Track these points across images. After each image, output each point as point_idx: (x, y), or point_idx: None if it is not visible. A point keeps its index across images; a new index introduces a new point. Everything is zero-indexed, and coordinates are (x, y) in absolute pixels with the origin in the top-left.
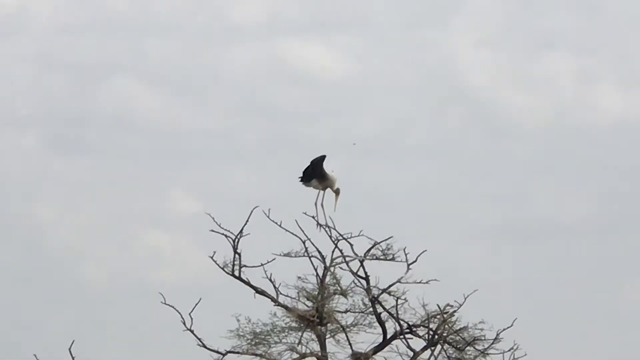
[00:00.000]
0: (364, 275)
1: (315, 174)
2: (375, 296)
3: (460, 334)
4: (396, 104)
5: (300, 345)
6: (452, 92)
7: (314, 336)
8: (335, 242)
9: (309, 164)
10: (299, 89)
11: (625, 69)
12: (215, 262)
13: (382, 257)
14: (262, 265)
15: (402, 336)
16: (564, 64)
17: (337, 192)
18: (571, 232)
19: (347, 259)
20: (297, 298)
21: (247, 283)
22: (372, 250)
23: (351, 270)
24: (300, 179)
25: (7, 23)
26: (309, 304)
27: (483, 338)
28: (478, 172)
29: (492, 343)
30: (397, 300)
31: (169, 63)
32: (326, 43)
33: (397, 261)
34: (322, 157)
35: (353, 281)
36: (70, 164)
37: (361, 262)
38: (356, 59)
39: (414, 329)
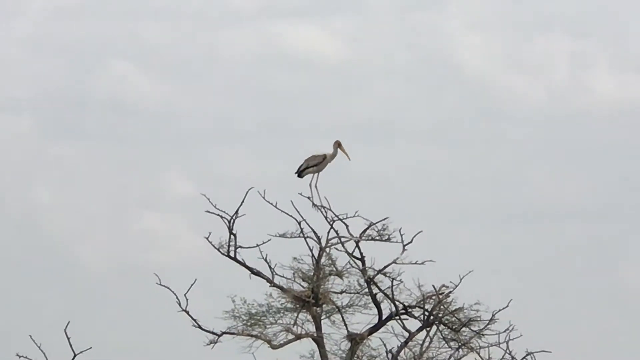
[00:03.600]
0: (359, 256)
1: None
2: (371, 277)
3: (456, 315)
4: (391, 87)
5: (295, 326)
6: (447, 75)
7: (309, 317)
8: (331, 222)
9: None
10: (294, 72)
11: (620, 52)
12: (210, 243)
13: (377, 238)
14: (257, 246)
15: (397, 317)
16: (559, 47)
17: (337, 144)
18: (566, 214)
19: (343, 239)
20: (293, 279)
21: (243, 264)
22: (368, 231)
23: (347, 251)
24: (296, 173)
25: (4, 6)
26: (305, 284)
27: (478, 319)
28: (473, 155)
29: (488, 324)
30: (392, 281)
31: (165, 46)
32: (321, 26)
33: (392, 242)
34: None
35: (348, 262)
36: (66, 147)
37: (357, 242)
38: (351, 42)
39: (410, 310)
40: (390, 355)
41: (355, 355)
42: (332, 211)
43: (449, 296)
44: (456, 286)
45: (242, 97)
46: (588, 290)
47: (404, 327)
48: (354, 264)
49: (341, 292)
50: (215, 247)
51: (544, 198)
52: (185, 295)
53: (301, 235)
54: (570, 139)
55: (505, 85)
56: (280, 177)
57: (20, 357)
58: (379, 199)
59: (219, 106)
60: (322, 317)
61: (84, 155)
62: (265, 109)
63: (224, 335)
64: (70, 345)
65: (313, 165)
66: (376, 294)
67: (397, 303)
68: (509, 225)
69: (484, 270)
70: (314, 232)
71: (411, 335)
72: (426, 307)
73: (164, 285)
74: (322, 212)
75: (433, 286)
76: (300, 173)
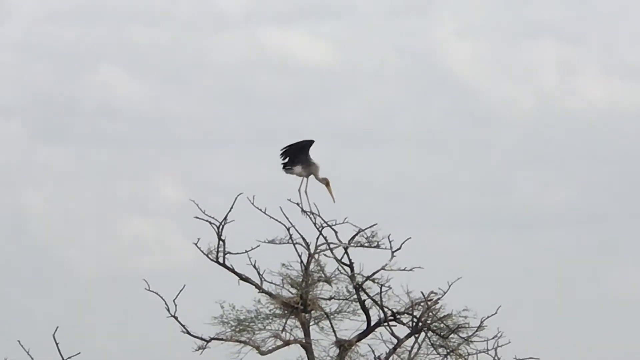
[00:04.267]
0: (348, 263)
1: (299, 158)
2: (360, 283)
3: (444, 322)
4: (380, 92)
5: (284, 332)
6: (437, 80)
7: (298, 323)
8: (320, 229)
9: (293, 143)
10: (284, 77)
11: (609, 58)
12: (199, 248)
13: (366, 245)
14: (246, 252)
15: (386, 323)
16: (548, 53)
17: (326, 182)
18: (555, 220)
19: (332, 246)
20: (282, 285)
21: (232, 270)
22: (357, 238)
23: (335, 258)
24: (283, 166)
25: None
26: (293, 291)
27: (467, 325)
28: (462, 160)
29: (476, 330)
30: (381, 288)
31: (155, 51)
32: (311, 31)
33: (381, 248)
34: (310, 142)
35: (337, 268)
36: (56, 152)
37: (345, 249)
38: (340, 47)
39: (398, 317)
40: None
41: None
42: (321, 217)
43: (438, 303)
44: (445, 293)
45: (232, 102)
46: (577, 297)
47: (393, 334)
48: (342, 270)
49: (330, 299)
50: (204, 253)
51: (532, 204)
52: (174, 301)
53: (290, 241)
54: (559, 144)
55: (495, 91)
56: (270, 183)
57: None
58: (367, 206)
59: (208, 111)
60: (310, 323)
61: (73, 159)
62: (254, 114)
63: (213, 341)
64: (59, 351)
65: (303, 158)
66: (365, 300)
67: (385, 309)
68: (498, 232)
69: (472, 277)
70: (303, 239)
71: (400, 341)
72: (415, 313)
73: (152, 291)
74: (311, 218)
75: (422, 293)
76: (286, 155)
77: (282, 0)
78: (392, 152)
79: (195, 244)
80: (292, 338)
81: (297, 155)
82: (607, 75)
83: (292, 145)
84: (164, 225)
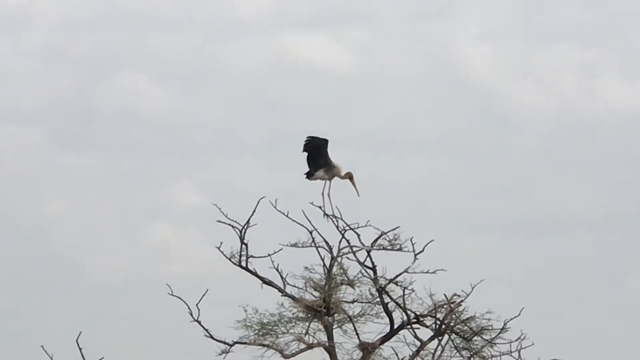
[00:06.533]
0: (371, 265)
1: (319, 163)
2: (383, 286)
3: (468, 324)
4: (402, 96)
5: (307, 336)
6: (457, 84)
7: (321, 326)
8: (342, 232)
9: (308, 139)
10: (305, 83)
11: (630, 62)
12: (222, 252)
13: (389, 247)
14: (269, 255)
15: (409, 326)
16: (569, 57)
17: (350, 176)
18: (577, 224)
19: (354, 249)
20: (304, 288)
21: (254, 274)
22: (379, 240)
23: (358, 261)
24: (306, 175)
25: (14, 18)
26: (316, 294)
27: (490, 328)
28: (483, 164)
29: (499, 333)
30: (404, 290)
31: (175, 57)
32: (331, 36)
33: (404, 251)
34: (325, 141)
35: (360, 271)
36: (76, 158)
37: (368, 252)
38: (361, 52)
39: (421, 319)
40: None
41: None
42: (343, 220)
43: (461, 305)
44: (468, 295)
45: (253, 108)
46: (600, 298)
47: (416, 336)
48: (365, 273)
49: (353, 302)
50: (227, 257)
51: (554, 207)
52: (197, 305)
53: (313, 244)
54: (580, 148)
55: (515, 95)
56: (292, 187)
57: None
58: (390, 209)
59: (230, 117)
60: (333, 327)
61: (95, 166)
62: (275, 119)
63: (236, 345)
64: (82, 356)
65: (323, 161)
66: (388, 303)
67: (408, 312)
68: (521, 234)
69: (495, 279)
70: (326, 242)
71: (423, 344)
72: (438, 316)
73: (175, 296)
74: (333, 221)
75: (445, 295)
76: (308, 173)
77: (302, 6)
78: (414, 156)
79: (218, 248)
80: (315, 341)
81: (317, 160)
82: (628, 79)
83: (311, 138)
84: (187, 230)
